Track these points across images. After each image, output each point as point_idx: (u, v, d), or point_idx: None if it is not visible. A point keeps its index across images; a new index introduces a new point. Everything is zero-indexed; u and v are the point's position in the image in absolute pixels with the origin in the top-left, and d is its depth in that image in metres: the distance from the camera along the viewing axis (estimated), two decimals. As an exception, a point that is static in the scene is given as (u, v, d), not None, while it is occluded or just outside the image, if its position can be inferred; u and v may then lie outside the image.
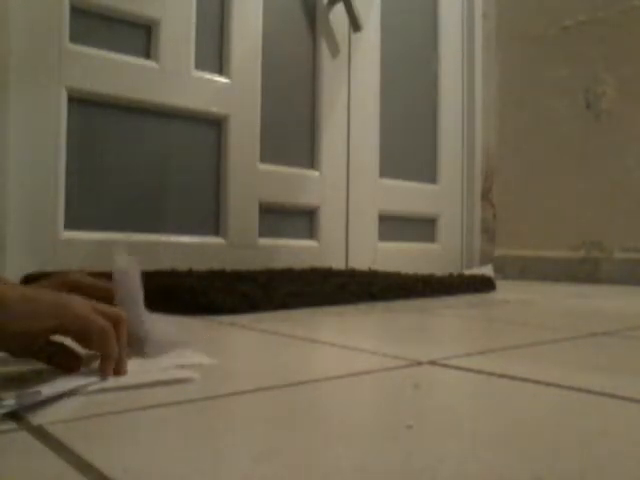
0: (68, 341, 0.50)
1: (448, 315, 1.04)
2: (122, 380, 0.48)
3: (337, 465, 0.32)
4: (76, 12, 1.37)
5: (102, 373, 0.47)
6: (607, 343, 0.76)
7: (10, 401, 0.40)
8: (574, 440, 0.37)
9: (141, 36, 1.49)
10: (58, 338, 0.50)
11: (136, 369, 0.51)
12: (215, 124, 1.61)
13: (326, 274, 1.40)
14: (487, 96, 2.24)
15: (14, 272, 1.26)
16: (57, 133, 1.34)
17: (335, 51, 1.84)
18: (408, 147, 2.05)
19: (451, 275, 1.55)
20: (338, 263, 1.83)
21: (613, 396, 0.47)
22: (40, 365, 0.51)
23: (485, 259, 2.21)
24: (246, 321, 0.89)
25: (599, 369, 0.60)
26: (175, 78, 1.51)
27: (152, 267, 1.43)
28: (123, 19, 1.45)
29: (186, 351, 0.58)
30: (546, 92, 2.08)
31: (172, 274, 1.29)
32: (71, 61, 1.36)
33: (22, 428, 0.37)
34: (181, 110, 1.53)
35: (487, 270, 1.96)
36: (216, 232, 1.61)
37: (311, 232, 1.80)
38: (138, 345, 0.55)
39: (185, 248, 1.52)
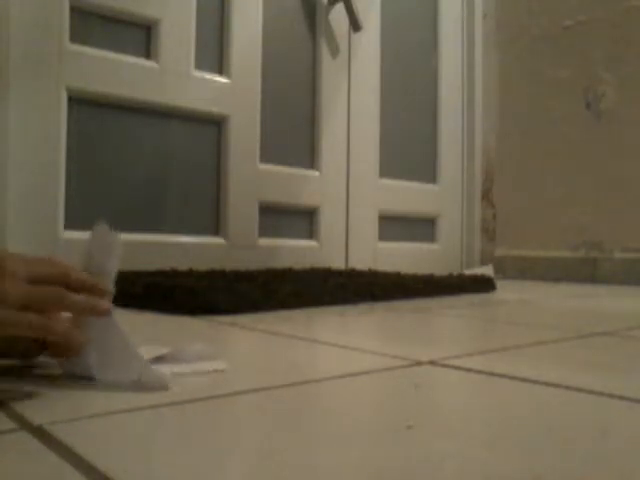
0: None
1: (448, 315, 1.04)
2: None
3: (337, 465, 0.32)
4: (76, 12, 1.37)
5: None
6: (607, 343, 0.76)
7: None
8: (574, 440, 0.37)
9: (141, 36, 1.49)
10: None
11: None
12: (215, 124, 1.61)
13: (326, 274, 1.40)
14: (487, 96, 2.24)
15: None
16: (57, 133, 1.34)
17: (335, 51, 1.84)
18: (408, 147, 2.05)
19: (451, 275, 1.55)
20: (338, 263, 1.83)
21: (613, 396, 0.47)
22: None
23: (485, 259, 2.21)
24: (246, 321, 0.89)
25: (599, 369, 0.60)
26: (175, 78, 1.51)
27: (152, 267, 1.43)
28: (123, 19, 1.45)
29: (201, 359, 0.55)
30: (546, 92, 2.08)
31: (172, 274, 1.29)
32: (71, 61, 1.36)
33: (22, 428, 0.37)
34: (181, 110, 1.53)
35: (487, 270, 1.96)
36: (216, 232, 1.61)
37: (311, 232, 1.80)
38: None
39: (185, 248, 1.52)
